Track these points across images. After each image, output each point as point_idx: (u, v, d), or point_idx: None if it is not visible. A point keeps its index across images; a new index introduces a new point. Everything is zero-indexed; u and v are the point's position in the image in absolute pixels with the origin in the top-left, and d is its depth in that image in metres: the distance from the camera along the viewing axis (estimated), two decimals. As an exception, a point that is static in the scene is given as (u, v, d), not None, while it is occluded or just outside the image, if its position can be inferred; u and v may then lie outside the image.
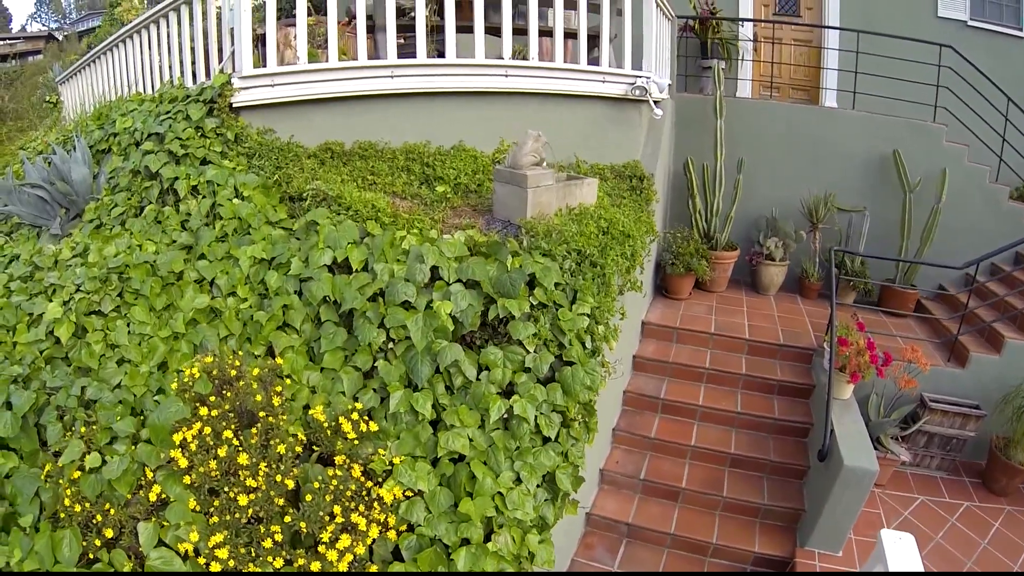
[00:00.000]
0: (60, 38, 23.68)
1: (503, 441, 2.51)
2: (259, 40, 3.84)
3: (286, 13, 4.42)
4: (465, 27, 3.98)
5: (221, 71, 3.58)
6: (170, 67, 4.13)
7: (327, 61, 3.58)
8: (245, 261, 2.86)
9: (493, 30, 4.23)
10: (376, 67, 3.64)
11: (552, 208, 3.23)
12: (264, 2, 3.49)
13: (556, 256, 2.77)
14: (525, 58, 3.98)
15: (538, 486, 2.57)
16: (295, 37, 3.76)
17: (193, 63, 3.87)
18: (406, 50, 3.96)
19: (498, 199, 3.23)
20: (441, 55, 3.83)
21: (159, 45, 4.23)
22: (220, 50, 3.68)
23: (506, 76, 3.90)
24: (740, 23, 6.10)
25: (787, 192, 5.29)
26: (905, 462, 4.07)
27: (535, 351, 2.53)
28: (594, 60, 4.38)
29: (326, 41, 3.66)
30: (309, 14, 3.96)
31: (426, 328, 2.43)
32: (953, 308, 4.94)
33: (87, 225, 3.46)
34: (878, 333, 4.38)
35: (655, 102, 4.33)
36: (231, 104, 3.55)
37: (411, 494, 2.35)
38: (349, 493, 2.14)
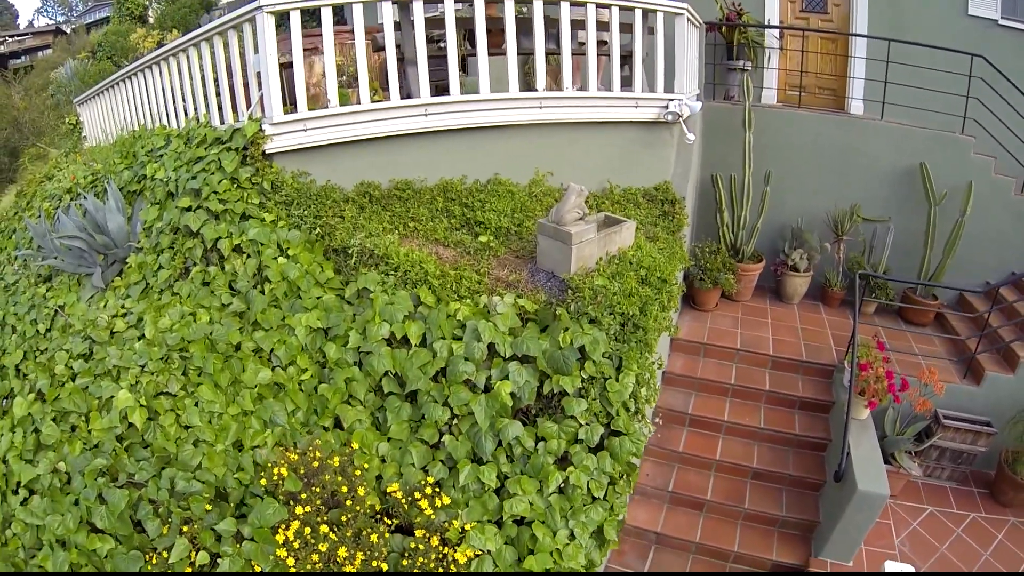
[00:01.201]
0: (68, 31, 23.30)
1: (559, 503, 2.71)
2: (284, 70, 3.74)
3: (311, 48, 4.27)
4: (495, 52, 3.88)
5: (251, 117, 3.52)
6: (195, 104, 4.05)
7: (358, 103, 3.52)
8: (301, 330, 2.95)
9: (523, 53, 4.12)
10: (409, 107, 3.58)
11: (594, 258, 3.28)
12: (290, 36, 3.40)
13: (602, 323, 2.87)
14: (557, 83, 3.90)
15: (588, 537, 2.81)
16: (323, 73, 3.67)
17: (220, 102, 3.80)
18: (435, 75, 3.87)
19: (542, 251, 3.28)
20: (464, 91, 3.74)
21: (182, 80, 4.14)
22: (247, 88, 3.60)
23: (540, 108, 3.83)
24: (767, 22, 5.85)
25: (813, 202, 5.27)
26: (917, 477, 4.32)
27: (587, 423, 2.69)
28: (625, 80, 4.26)
29: (356, 79, 3.58)
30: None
31: (489, 408, 2.57)
32: (972, 319, 5.06)
33: (134, 287, 3.51)
34: (897, 351, 4.52)
35: (686, 123, 4.27)
36: (264, 151, 3.52)
37: (480, 552, 2.58)
38: (432, 566, 2.36)
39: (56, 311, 3.85)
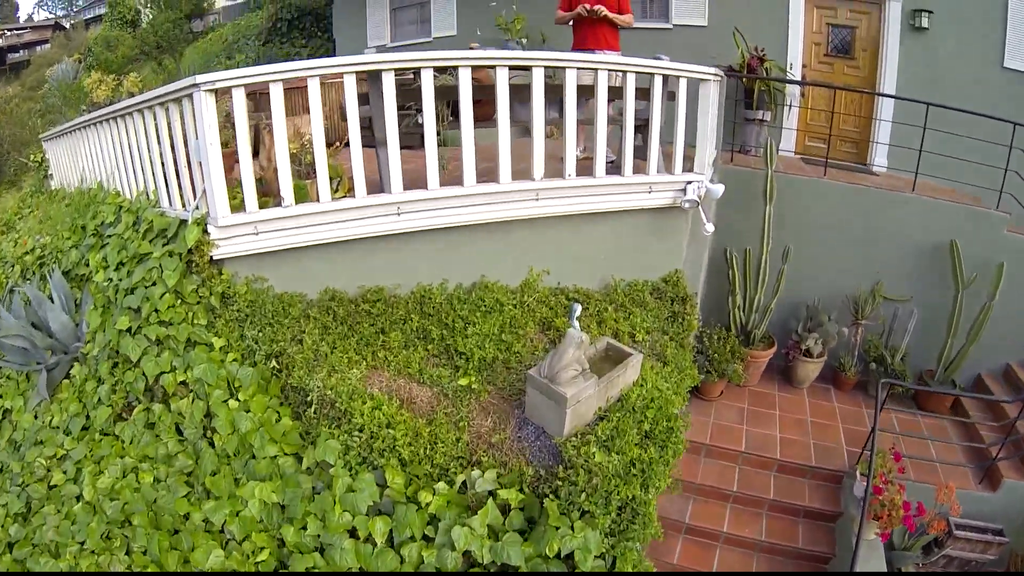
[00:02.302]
0: (67, 26, 22.59)
1: None
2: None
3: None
4: (483, 124, 3.30)
5: (195, 217, 2.95)
6: (143, 176, 3.48)
7: (318, 200, 2.96)
8: (255, 503, 2.53)
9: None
10: (379, 205, 3.01)
11: (592, 411, 2.83)
12: (232, 115, 2.81)
13: (596, 516, 2.46)
14: (560, 169, 3.31)
15: None
16: (276, 152, 3.09)
17: (167, 178, 3.24)
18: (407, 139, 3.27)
19: (531, 403, 2.82)
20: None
21: (130, 146, 3.56)
22: (191, 171, 3.03)
23: (536, 200, 3.26)
24: (789, 67, 5.21)
25: (831, 278, 4.79)
26: (923, 593, 4.06)
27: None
28: (637, 151, 3.68)
29: (313, 169, 3.00)
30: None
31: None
32: (992, 412, 4.70)
33: (74, 419, 3.08)
34: (913, 456, 4.18)
35: (704, 207, 3.73)
36: (211, 257, 2.99)
37: None
38: None
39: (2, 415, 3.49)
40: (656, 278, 3.88)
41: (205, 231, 2.91)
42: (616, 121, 3.55)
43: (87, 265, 3.64)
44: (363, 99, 3.10)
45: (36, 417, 3.42)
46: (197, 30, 14.78)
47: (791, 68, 5.36)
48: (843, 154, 5.57)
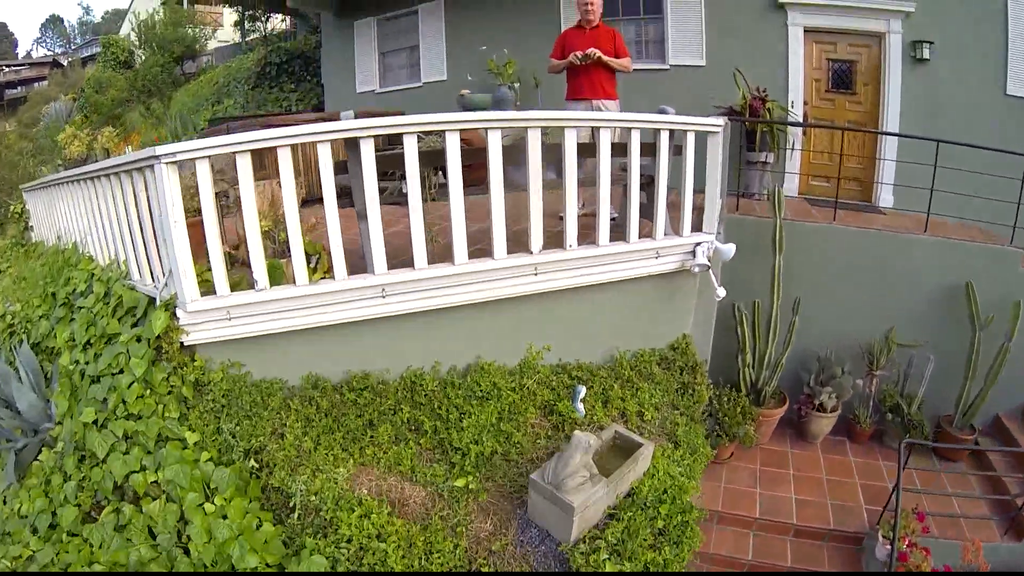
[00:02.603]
0: (64, 64, 22.92)
1: None
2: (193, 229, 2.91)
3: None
4: (475, 190, 3.08)
5: (165, 294, 2.69)
6: (113, 244, 3.25)
7: (295, 284, 2.71)
8: (229, 635, 2.27)
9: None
10: (360, 288, 2.76)
11: (599, 513, 2.58)
12: (196, 183, 2.58)
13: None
14: (561, 236, 3.08)
15: None
16: (247, 232, 2.85)
17: (135, 249, 3.00)
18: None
19: (535, 506, 2.56)
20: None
21: (101, 211, 3.33)
22: (158, 242, 2.79)
23: (536, 274, 3.03)
24: (791, 104, 5.05)
25: (843, 326, 4.57)
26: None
27: None
28: (643, 208, 3.45)
29: (288, 248, 2.76)
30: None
31: None
32: (1014, 457, 4.47)
33: (40, 516, 2.80)
34: (935, 513, 3.94)
35: (714, 268, 3.52)
36: (182, 343, 2.74)
37: None
38: None
39: None
40: (664, 345, 3.66)
41: (174, 315, 2.67)
42: (619, 179, 3.35)
43: (55, 339, 3.40)
44: (342, 167, 2.90)
45: (5, 502, 3.16)
46: (190, 71, 14.81)
47: (792, 106, 5.20)
48: (848, 192, 5.40)
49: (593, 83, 4.12)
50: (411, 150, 2.64)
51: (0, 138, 13.57)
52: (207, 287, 2.66)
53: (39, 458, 3.10)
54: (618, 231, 3.28)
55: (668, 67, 5.60)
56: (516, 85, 6.03)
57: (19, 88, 21.24)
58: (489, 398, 3.05)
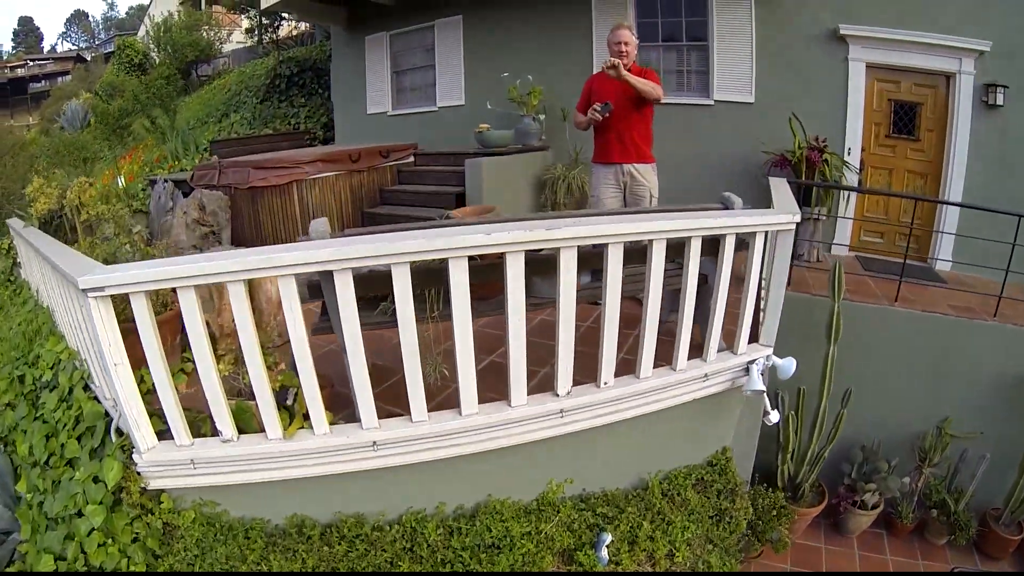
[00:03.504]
0: (88, 59, 22.81)
1: None
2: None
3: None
4: (487, 310, 2.48)
5: (119, 426, 2.17)
6: (75, 333, 2.69)
7: (267, 436, 2.15)
8: None
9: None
10: (347, 448, 2.19)
11: None
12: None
13: None
14: (594, 372, 2.47)
15: None
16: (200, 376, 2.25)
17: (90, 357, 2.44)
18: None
19: None
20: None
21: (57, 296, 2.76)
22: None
23: (561, 417, 2.46)
24: (847, 152, 4.38)
25: (892, 413, 4.05)
26: None
27: None
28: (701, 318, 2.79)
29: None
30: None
31: None
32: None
33: None
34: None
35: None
36: (144, 487, 2.21)
37: None
38: None
39: None
40: (701, 461, 3.11)
41: (131, 457, 2.17)
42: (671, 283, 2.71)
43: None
44: (315, 289, 2.27)
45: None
46: (204, 75, 13.93)
47: (848, 153, 4.53)
48: (901, 250, 4.79)
49: (624, 143, 3.48)
50: (402, 281, 1.99)
51: (15, 136, 12.92)
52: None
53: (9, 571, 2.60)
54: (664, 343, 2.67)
55: (712, 102, 4.87)
56: (541, 117, 5.27)
57: (43, 82, 21.46)
58: (500, 549, 2.52)
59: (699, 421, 3.00)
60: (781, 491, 3.86)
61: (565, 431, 2.49)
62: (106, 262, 3.21)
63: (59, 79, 21.44)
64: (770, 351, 2.88)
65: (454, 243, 1.91)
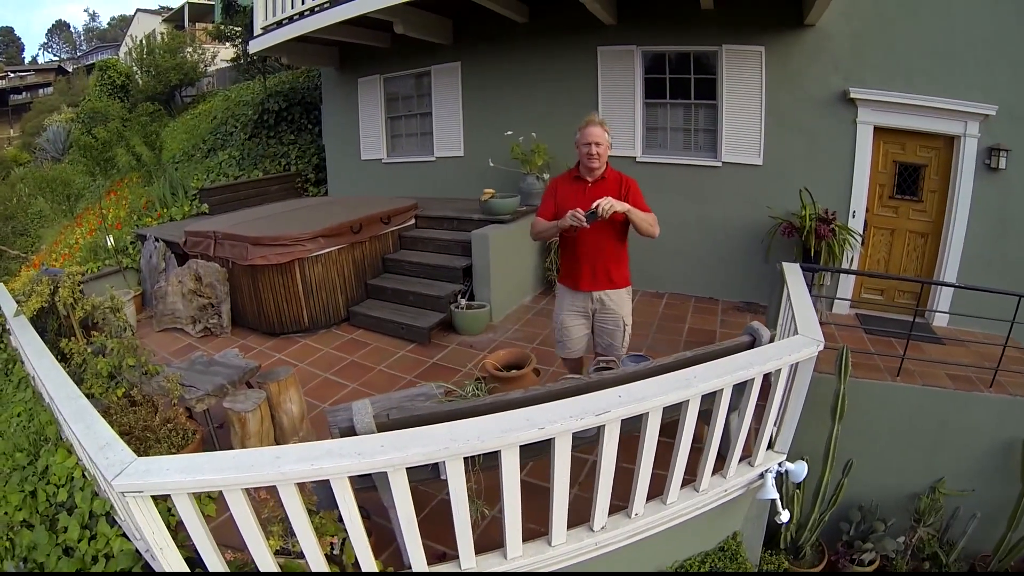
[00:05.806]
0: (70, 70, 21.73)
1: None
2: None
3: None
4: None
5: None
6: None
7: None
8: None
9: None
10: None
11: None
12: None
13: None
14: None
15: None
16: None
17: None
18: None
19: None
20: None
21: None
22: None
23: (596, 547, 2.49)
24: (852, 215, 4.35)
25: (889, 478, 4.16)
26: None
27: None
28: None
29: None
30: None
31: None
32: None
33: None
34: None
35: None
36: None
37: None
38: None
39: None
40: (713, 547, 3.19)
41: None
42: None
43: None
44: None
45: None
46: (188, 95, 13.26)
47: (853, 216, 4.51)
48: (902, 308, 4.83)
49: (596, 268, 2.85)
50: (456, 468, 1.93)
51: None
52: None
53: None
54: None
55: (720, 164, 4.78)
56: (545, 176, 5.12)
57: (24, 94, 20.42)
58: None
59: (712, 519, 3.04)
60: (783, 551, 3.97)
61: (595, 555, 2.52)
62: (110, 376, 3.08)
63: (40, 91, 20.68)
64: (783, 457, 2.91)
65: (509, 440, 1.87)
